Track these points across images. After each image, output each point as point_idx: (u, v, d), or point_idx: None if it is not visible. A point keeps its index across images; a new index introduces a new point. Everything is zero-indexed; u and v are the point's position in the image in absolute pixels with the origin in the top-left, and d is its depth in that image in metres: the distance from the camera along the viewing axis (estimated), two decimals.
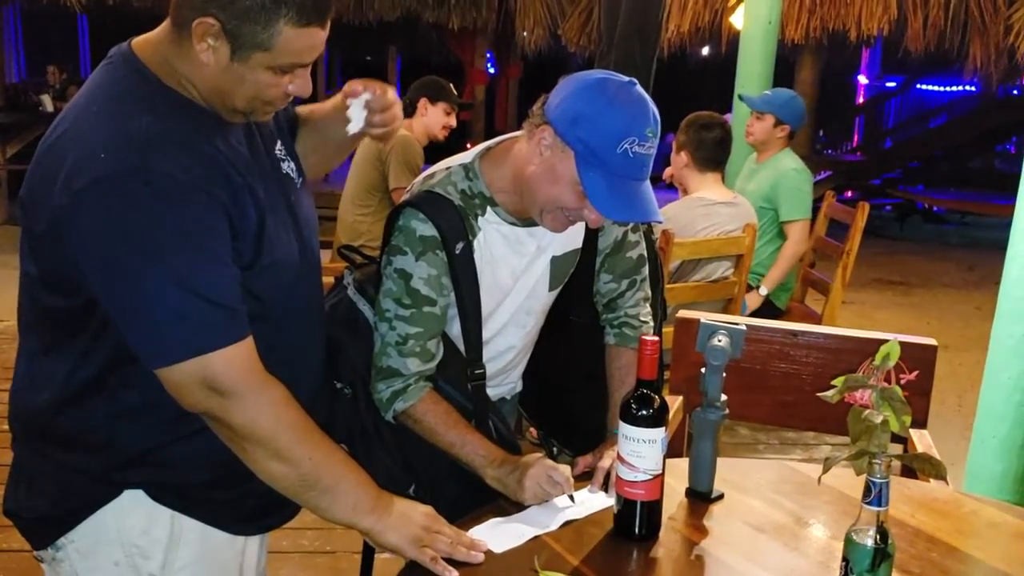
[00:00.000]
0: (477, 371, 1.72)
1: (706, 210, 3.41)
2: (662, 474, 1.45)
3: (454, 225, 1.63)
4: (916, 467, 1.35)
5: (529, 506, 1.54)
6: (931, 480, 1.66)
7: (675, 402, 2.10)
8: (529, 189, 1.61)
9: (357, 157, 4.23)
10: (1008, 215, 2.53)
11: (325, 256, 1.90)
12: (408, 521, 1.39)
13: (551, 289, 1.79)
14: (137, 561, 1.39)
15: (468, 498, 1.59)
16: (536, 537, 1.46)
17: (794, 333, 2.17)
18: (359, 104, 1.54)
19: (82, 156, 1.23)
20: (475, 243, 1.66)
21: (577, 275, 1.84)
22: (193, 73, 1.31)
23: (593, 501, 1.57)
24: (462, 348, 1.72)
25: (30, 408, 1.40)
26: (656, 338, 1.44)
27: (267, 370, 1.33)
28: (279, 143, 1.51)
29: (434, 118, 4.26)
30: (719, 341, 1.58)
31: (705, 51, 10.57)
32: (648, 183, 1.56)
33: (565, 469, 1.57)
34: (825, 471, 1.34)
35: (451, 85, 4.37)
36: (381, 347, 1.66)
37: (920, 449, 1.85)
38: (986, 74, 8.52)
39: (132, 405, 1.35)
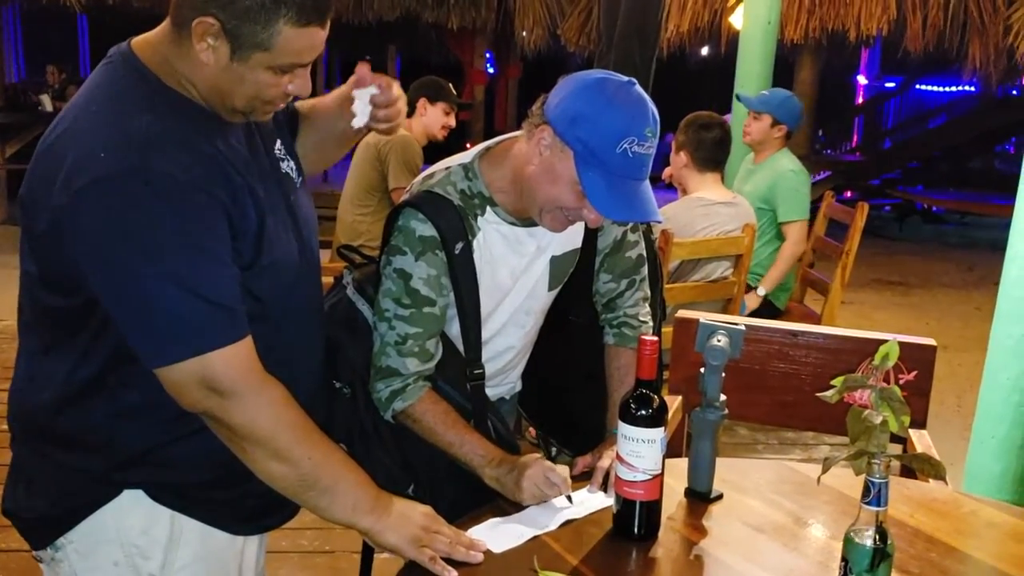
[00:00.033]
0: (476, 371, 1.72)
1: (705, 210, 3.41)
2: (661, 474, 1.45)
3: (453, 225, 1.63)
4: (915, 467, 1.35)
5: (528, 506, 1.54)
6: (930, 480, 1.66)
7: (674, 402, 2.10)
8: (528, 189, 1.61)
9: (356, 157, 4.23)
10: (1007, 215, 2.53)
11: (324, 256, 1.90)
12: (407, 521, 1.40)
13: (550, 289, 1.79)
14: (136, 561, 1.39)
15: (467, 498, 1.59)
16: (535, 537, 1.46)
17: (793, 333, 2.17)
18: (364, 98, 1.54)
19: (82, 156, 1.23)
20: (474, 243, 1.66)
21: (576, 275, 1.84)
22: (193, 73, 1.31)
23: (592, 501, 1.57)
24: (461, 348, 1.72)
25: (30, 408, 1.40)
26: (655, 338, 1.44)
27: (266, 370, 1.33)
28: (278, 142, 1.51)
29: (433, 118, 4.26)
30: (718, 341, 1.58)
31: (704, 51, 10.56)
32: (647, 183, 1.56)
33: (563, 470, 1.57)
34: (824, 471, 1.34)
35: (450, 85, 4.37)
36: (380, 347, 1.66)
37: (919, 449, 1.85)
38: (985, 74, 8.52)
39: (132, 405, 1.34)
